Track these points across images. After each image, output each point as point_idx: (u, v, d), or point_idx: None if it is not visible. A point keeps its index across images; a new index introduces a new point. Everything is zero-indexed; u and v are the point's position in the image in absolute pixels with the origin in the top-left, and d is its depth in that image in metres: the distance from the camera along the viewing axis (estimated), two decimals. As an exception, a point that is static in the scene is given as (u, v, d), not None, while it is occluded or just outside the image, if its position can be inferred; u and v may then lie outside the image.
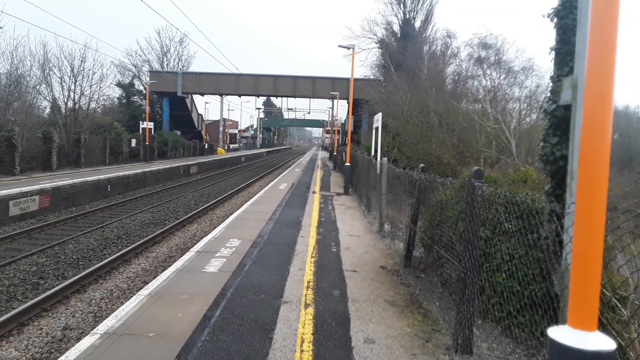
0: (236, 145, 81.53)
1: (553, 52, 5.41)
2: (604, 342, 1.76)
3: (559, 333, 1.83)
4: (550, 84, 5.60)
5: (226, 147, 64.15)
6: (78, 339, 6.41)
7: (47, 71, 31.18)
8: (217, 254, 8.16)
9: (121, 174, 23.30)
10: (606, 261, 3.98)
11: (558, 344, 1.80)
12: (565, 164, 4.71)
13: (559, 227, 4.39)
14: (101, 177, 21.14)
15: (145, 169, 26.88)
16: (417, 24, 42.21)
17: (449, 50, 32.59)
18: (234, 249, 8.61)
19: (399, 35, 42.03)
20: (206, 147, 54.71)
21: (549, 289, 4.45)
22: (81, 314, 7.56)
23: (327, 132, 69.64)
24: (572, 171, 4.35)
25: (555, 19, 5.35)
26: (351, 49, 20.53)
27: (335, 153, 41.29)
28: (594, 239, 1.81)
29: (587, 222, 1.82)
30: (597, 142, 1.81)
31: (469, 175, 5.35)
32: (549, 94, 5.54)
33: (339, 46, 20.89)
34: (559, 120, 4.97)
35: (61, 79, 31.81)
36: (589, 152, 1.83)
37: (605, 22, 1.80)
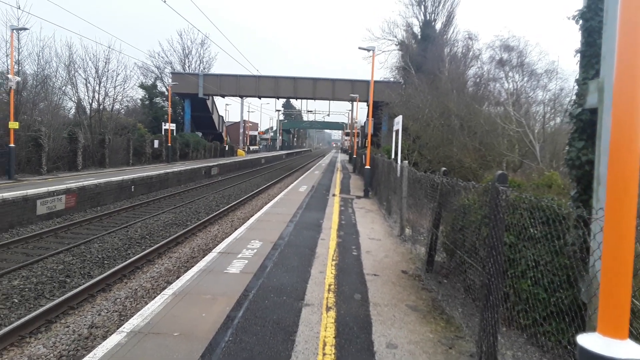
0: (256, 147, 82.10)
1: (578, 55, 5.35)
2: (636, 351, 1.74)
3: (588, 340, 1.81)
4: (576, 87, 5.54)
5: (246, 149, 64.63)
6: (104, 337, 6.55)
7: (73, 72, 31.98)
8: (239, 255, 8.24)
9: (144, 174, 23.69)
10: (637, 269, 3.92)
11: (588, 351, 1.78)
12: (591, 168, 4.64)
13: (586, 234, 4.33)
14: (125, 177, 21.52)
15: (168, 170, 27.27)
16: (438, 25, 41.95)
17: (471, 53, 32.28)
18: (255, 250, 8.68)
19: (419, 37, 41.80)
20: (227, 148, 55.23)
21: (576, 296, 4.39)
22: (107, 313, 7.71)
23: (347, 134, 69.56)
24: (598, 176, 4.28)
25: (581, 21, 5.28)
26: (371, 51, 20.50)
27: (355, 156, 41.23)
28: (624, 245, 1.78)
29: (616, 227, 1.79)
30: (626, 145, 1.78)
31: (492, 179, 5.31)
32: (574, 97, 5.47)
33: (359, 48, 20.85)
34: (585, 124, 4.90)
35: (86, 80, 32.58)
36: (618, 156, 1.80)
37: (635, 20, 1.77)
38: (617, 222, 1.80)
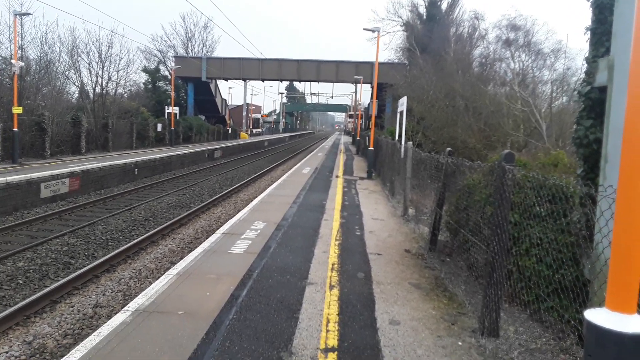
0: (259, 130, 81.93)
1: (588, 33, 5.25)
2: (645, 325, 1.71)
3: (597, 315, 1.79)
4: (585, 65, 5.44)
5: (249, 132, 64.52)
6: (109, 316, 6.60)
7: (76, 57, 31.79)
8: (243, 236, 8.25)
9: (148, 157, 23.69)
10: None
11: (596, 326, 1.76)
12: (599, 147, 4.58)
13: (592, 211, 4.28)
14: (128, 160, 21.54)
15: (171, 153, 27.26)
16: (444, 5, 41.36)
17: (477, 33, 31.86)
18: (258, 231, 8.69)
19: (424, 17, 41.25)
20: (230, 131, 55.12)
21: (581, 273, 4.36)
22: (111, 293, 7.76)
23: (350, 116, 69.28)
24: (606, 154, 4.22)
25: None
26: (376, 32, 20.25)
27: (358, 138, 41.10)
28: (635, 221, 1.75)
29: (628, 203, 1.76)
30: None
31: (498, 158, 5.26)
32: (583, 76, 5.38)
33: (364, 29, 20.73)
34: (594, 102, 4.83)
35: (89, 64, 32.40)
36: (633, 131, 1.76)
37: None
38: (629, 198, 1.77)
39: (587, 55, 5.25)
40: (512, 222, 5.04)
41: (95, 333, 4.31)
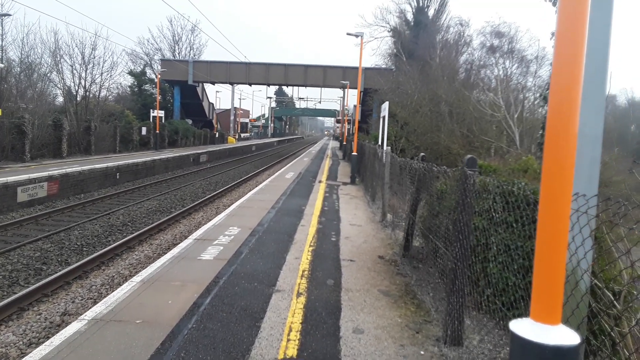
0: (247, 135, 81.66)
1: (554, 38, 5.26)
2: (567, 337, 1.66)
3: (520, 326, 1.73)
4: (551, 70, 5.45)
5: (237, 136, 64.24)
6: (75, 324, 6.45)
7: (58, 58, 31.46)
8: (215, 242, 8.14)
9: (130, 161, 23.43)
10: (601, 252, 3.86)
11: (519, 337, 1.70)
12: (564, 153, 4.55)
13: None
14: (110, 164, 21.28)
15: (155, 157, 27.00)
16: (431, 12, 41.57)
17: (462, 39, 32.08)
18: (232, 236, 8.58)
19: (412, 23, 41.43)
20: (217, 136, 54.81)
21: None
22: (81, 300, 7.61)
23: (338, 121, 69.36)
24: (570, 160, 4.20)
25: (558, 3, 5.18)
26: (359, 37, 20.27)
27: (344, 143, 41.13)
28: (558, 230, 1.70)
29: (551, 211, 1.72)
30: (563, 132, 1.72)
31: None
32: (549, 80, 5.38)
33: (347, 34, 20.62)
34: (559, 107, 4.81)
35: (72, 66, 32.08)
36: (555, 143, 1.73)
37: (573, 13, 1.73)
38: (552, 207, 1.73)
39: (553, 60, 5.26)
40: (479, 228, 5.01)
41: (47, 343, 4.18)
